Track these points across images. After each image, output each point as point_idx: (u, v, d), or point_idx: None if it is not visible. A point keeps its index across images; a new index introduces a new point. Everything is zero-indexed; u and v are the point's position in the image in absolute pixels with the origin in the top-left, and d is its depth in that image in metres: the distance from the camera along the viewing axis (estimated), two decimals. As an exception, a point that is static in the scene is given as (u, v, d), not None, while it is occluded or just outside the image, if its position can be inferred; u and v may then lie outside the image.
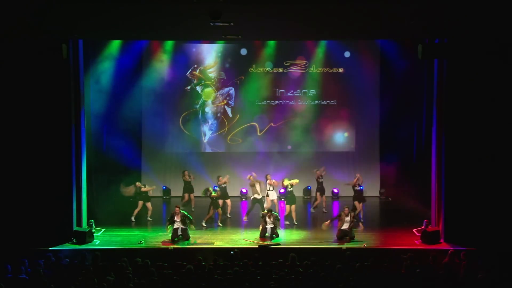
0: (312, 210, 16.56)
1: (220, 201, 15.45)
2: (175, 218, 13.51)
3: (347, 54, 18.04)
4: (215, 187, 15.95)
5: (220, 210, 15.17)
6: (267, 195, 15.43)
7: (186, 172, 16.74)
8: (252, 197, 15.69)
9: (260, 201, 15.49)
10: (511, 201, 12.91)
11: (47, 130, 13.17)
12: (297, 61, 18.14)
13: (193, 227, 13.76)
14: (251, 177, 15.61)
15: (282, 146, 18.47)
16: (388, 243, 13.46)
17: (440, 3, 10.28)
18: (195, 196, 16.70)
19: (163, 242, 13.33)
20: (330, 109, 18.32)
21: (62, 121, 13.36)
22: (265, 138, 18.49)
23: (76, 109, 13.72)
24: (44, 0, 10.15)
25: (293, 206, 15.15)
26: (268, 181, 15.49)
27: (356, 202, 15.37)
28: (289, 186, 15.20)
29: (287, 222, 15.10)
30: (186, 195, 16.67)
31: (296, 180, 15.49)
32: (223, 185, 15.74)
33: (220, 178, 15.88)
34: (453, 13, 10.82)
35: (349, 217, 13.49)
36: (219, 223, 15.04)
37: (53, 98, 13.17)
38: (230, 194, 16.18)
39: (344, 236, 13.43)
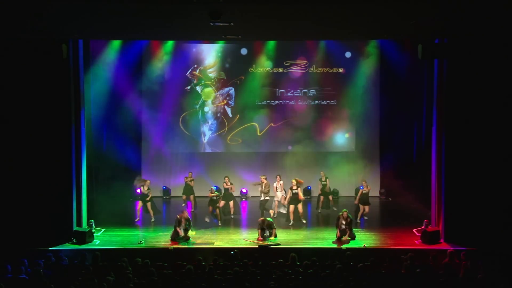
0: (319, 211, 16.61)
1: (222, 202, 15.55)
2: (182, 223, 13.46)
3: (348, 54, 18.06)
4: (216, 188, 15.93)
5: (218, 210, 15.15)
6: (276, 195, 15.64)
7: (190, 173, 16.77)
8: (262, 198, 15.75)
9: (264, 203, 15.63)
10: (511, 201, 12.91)
11: (47, 130, 13.17)
12: (297, 61, 18.15)
13: (193, 232, 13.67)
14: (264, 179, 15.71)
15: (282, 146, 18.46)
16: (388, 243, 13.46)
17: (440, 3, 10.27)
18: (196, 197, 16.73)
19: (173, 242, 13.28)
20: (330, 109, 18.33)
21: (62, 121, 13.37)
22: (265, 138, 18.49)
23: (76, 109, 13.72)
24: (44, 0, 10.14)
25: (292, 207, 15.12)
26: (277, 182, 15.62)
27: (361, 205, 15.39)
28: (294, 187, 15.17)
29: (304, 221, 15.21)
30: (184, 196, 16.73)
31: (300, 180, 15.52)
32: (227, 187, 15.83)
33: (226, 179, 15.93)
34: (453, 13, 10.81)
35: (347, 220, 13.43)
36: (219, 223, 15.04)
37: (53, 98, 13.18)
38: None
39: (344, 236, 13.42)
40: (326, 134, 18.42)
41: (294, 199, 15.09)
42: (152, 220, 15.48)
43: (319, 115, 18.30)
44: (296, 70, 18.18)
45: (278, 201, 15.63)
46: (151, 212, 15.56)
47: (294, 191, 15.08)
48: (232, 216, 15.80)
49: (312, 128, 18.32)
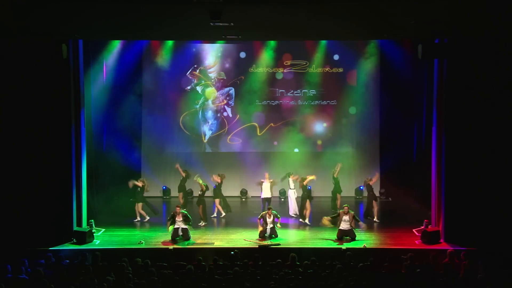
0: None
1: (217, 200, 15.71)
2: (176, 218, 13.53)
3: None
4: (215, 187, 15.92)
5: (200, 209, 15.17)
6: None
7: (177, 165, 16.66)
8: (263, 197, 15.83)
9: (269, 200, 15.66)
10: (511, 201, 12.90)
11: (47, 130, 13.16)
12: (297, 61, 18.16)
13: (190, 227, 13.68)
14: (267, 176, 15.84)
15: (282, 146, 18.47)
16: (388, 243, 13.46)
17: (440, 3, 10.27)
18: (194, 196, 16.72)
19: (164, 242, 13.32)
20: (330, 109, 18.33)
21: (62, 121, 13.36)
22: (265, 138, 18.50)
23: (76, 109, 13.71)
24: (45, 0, 10.14)
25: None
26: (291, 180, 15.74)
27: (374, 202, 15.44)
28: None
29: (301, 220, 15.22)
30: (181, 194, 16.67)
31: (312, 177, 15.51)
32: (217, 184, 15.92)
33: (215, 176, 15.94)
34: (453, 13, 10.81)
35: (348, 216, 13.47)
36: (203, 223, 15.08)
37: (53, 98, 13.16)
38: (229, 194, 16.19)
39: (344, 236, 13.43)
40: (326, 134, 18.42)
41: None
42: (145, 219, 15.47)
43: (319, 115, 18.31)
44: (296, 70, 18.19)
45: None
46: (143, 212, 15.56)
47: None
48: (222, 215, 15.81)
49: (312, 128, 18.33)
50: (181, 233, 13.46)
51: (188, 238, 13.44)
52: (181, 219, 13.53)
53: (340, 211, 13.73)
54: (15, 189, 13.12)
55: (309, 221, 15.10)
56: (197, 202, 15.30)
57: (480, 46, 12.45)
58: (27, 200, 13.11)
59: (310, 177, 15.42)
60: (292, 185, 15.90)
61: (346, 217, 13.46)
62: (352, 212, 13.65)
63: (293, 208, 15.92)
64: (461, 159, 13.04)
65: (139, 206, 15.48)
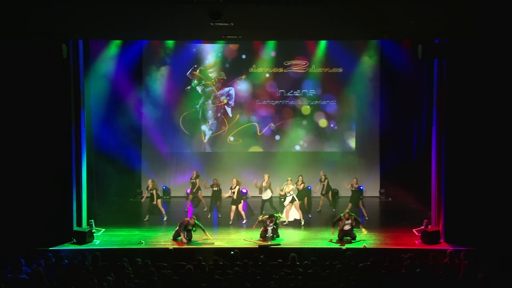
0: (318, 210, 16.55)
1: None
2: (189, 227, 13.38)
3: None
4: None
5: (219, 202, 15.49)
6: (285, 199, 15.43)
7: (195, 172, 16.62)
8: (263, 198, 15.70)
9: (270, 201, 15.58)
10: (511, 201, 12.90)
11: (47, 130, 13.16)
12: (297, 61, 18.16)
13: (208, 236, 13.51)
14: (266, 177, 15.65)
15: (282, 146, 18.47)
16: (388, 243, 13.45)
17: (440, 3, 10.28)
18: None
19: (178, 243, 13.23)
20: (330, 109, 18.34)
21: (62, 121, 13.36)
22: (265, 138, 18.50)
23: (76, 109, 13.71)
24: (45, 0, 10.14)
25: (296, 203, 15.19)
26: (287, 186, 15.33)
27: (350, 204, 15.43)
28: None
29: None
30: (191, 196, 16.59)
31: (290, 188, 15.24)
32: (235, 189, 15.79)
33: (234, 180, 15.80)
34: (453, 13, 10.81)
35: (350, 220, 13.45)
36: (219, 215, 15.40)
37: (53, 98, 13.16)
38: (229, 194, 16.20)
39: (345, 236, 13.42)
40: (326, 134, 18.44)
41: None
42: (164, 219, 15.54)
43: (319, 115, 18.32)
44: (296, 70, 18.20)
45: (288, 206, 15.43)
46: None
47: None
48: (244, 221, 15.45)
49: (312, 128, 18.35)
50: (184, 241, 13.34)
51: (189, 239, 13.42)
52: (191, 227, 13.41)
53: (342, 215, 13.63)
54: (15, 189, 13.11)
55: (307, 220, 15.09)
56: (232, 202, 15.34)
57: (480, 46, 12.45)
58: (27, 200, 13.11)
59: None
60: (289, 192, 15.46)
61: (348, 221, 13.41)
62: (353, 215, 13.63)
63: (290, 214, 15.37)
64: (461, 159, 13.05)
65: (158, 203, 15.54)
